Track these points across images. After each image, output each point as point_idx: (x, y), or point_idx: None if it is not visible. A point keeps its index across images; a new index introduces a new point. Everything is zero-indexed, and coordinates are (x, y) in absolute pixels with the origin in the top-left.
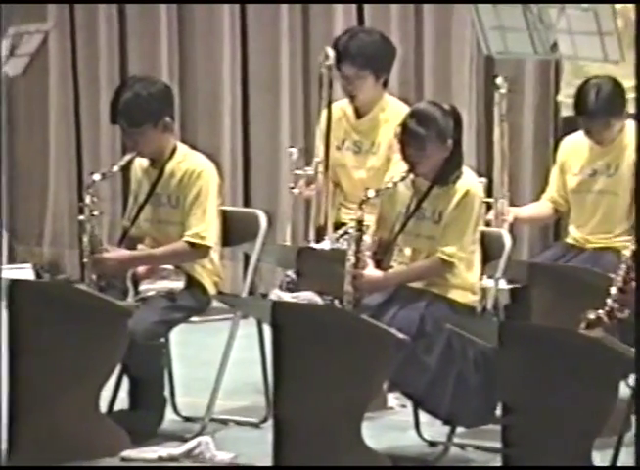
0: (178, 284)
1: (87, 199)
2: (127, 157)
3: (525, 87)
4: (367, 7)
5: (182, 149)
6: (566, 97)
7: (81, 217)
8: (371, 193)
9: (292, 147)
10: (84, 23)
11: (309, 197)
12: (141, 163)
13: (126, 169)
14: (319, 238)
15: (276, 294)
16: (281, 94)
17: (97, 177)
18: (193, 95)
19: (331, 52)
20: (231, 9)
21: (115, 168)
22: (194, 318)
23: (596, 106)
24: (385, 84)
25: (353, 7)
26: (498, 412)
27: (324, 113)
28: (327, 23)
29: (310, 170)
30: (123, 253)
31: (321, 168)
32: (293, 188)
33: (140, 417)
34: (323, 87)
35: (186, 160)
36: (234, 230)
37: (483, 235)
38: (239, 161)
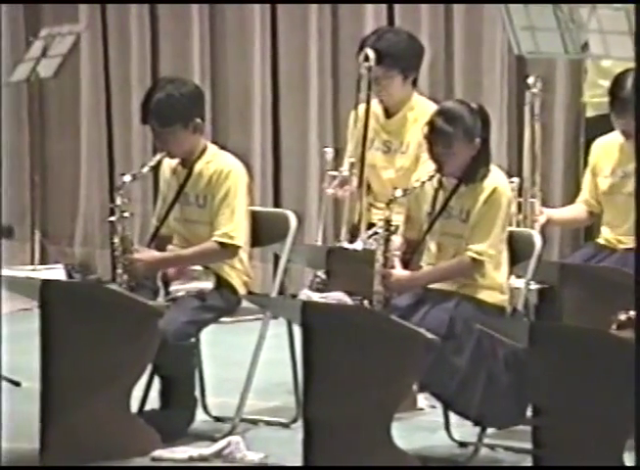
0: (208, 284)
1: (118, 200)
2: (157, 157)
3: (556, 87)
4: (397, 7)
5: (211, 149)
6: (591, 97)
7: (112, 218)
8: (398, 193)
9: (326, 147)
10: (116, 25)
11: (343, 197)
12: (170, 163)
13: (157, 170)
14: (352, 238)
15: (305, 294)
16: (310, 95)
17: (127, 178)
18: (224, 95)
19: (371, 53)
20: (261, 10)
21: (145, 169)
22: (224, 319)
23: (631, 92)
24: (414, 83)
25: (383, 7)
26: (528, 413)
27: (353, 114)
28: (356, 24)
29: (345, 171)
30: (153, 254)
31: (355, 169)
32: (326, 188)
33: (171, 417)
34: (361, 88)
35: (215, 160)
36: (264, 231)
37: (513, 235)
38: (269, 161)
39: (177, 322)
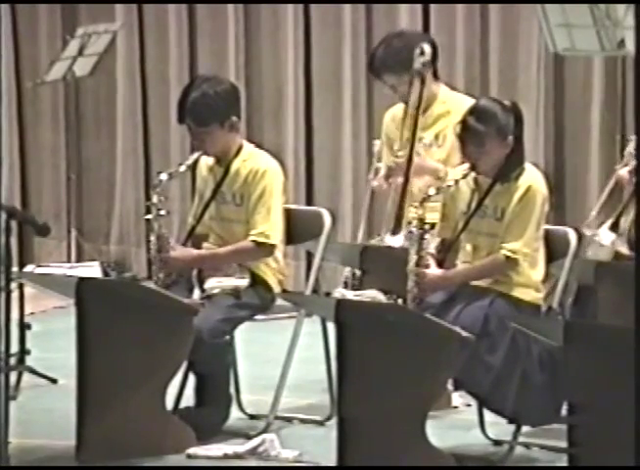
0: (243, 282)
1: (154, 198)
2: (194, 156)
3: (593, 84)
4: (432, 5)
5: (248, 148)
6: None
7: (148, 216)
8: (432, 191)
9: (375, 140)
10: (152, 23)
11: (386, 191)
12: (207, 161)
13: (195, 168)
14: (394, 233)
15: (339, 292)
16: (344, 93)
17: (164, 177)
18: (258, 94)
19: (427, 47)
20: (295, 9)
21: (183, 168)
22: (258, 316)
23: None
24: (435, 76)
25: (418, 6)
26: (563, 411)
27: (388, 113)
28: (390, 23)
29: (392, 162)
30: (190, 252)
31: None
32: (372, 180)
33: (205, 415)
34: (414, 83)
35: (251, 158)
36: (297, 229)
37: (548, 233)
38: (302, 159)
39: (212, 320)
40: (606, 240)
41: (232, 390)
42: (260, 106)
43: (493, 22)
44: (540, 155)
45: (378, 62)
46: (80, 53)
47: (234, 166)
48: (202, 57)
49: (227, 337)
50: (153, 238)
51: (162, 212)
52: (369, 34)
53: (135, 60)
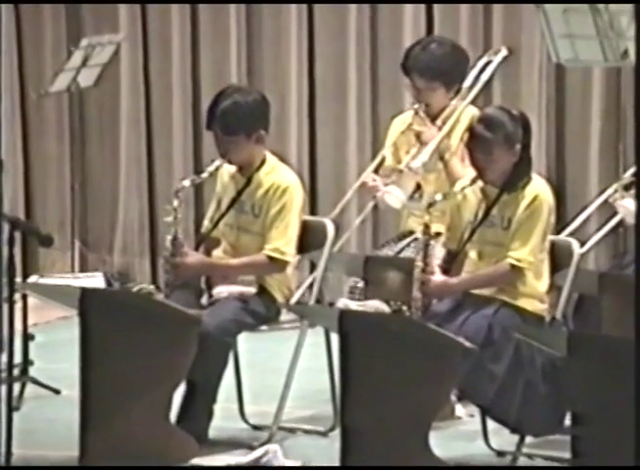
0: (250, 289)
1: (175, 202)
2: (217, 163)
3: (592, 94)
4: (436, 14)
5: (271, 161)
6: None
7: (168, 219)
8: (438, 197)
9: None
10: (156, 34)
11: (371, 189)
12: (229, 168)
13: (210, 176)
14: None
15: (343, 302)
16: (348, 102)
17: (187, 183)
18: None
19: (504, 50)
20: (298, 16)
21: (205, 175)
22: (262, 327)
23: None
24: (457, 92)
25: (422, 14)
26: (567, 422)
27: (397, 119)
28: (395, 30)
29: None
30: (202, 259)
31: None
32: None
33: (189, 422)
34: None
35: (274, 172)
36: (302, 239)
37: (552, 244)
38: (305, 169)
39: (221, 317)
40: (633, 207)
41: (235, 400)
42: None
43: (496, 32)
44: (542, 164)
45: (411, 61)
46: (84, 64)
47: (256, 178)
48: (204, 67)
49: (231, 339)
50: (168, 241)
51: (179, 217)
52: (374, 43)
53: (139, 70)
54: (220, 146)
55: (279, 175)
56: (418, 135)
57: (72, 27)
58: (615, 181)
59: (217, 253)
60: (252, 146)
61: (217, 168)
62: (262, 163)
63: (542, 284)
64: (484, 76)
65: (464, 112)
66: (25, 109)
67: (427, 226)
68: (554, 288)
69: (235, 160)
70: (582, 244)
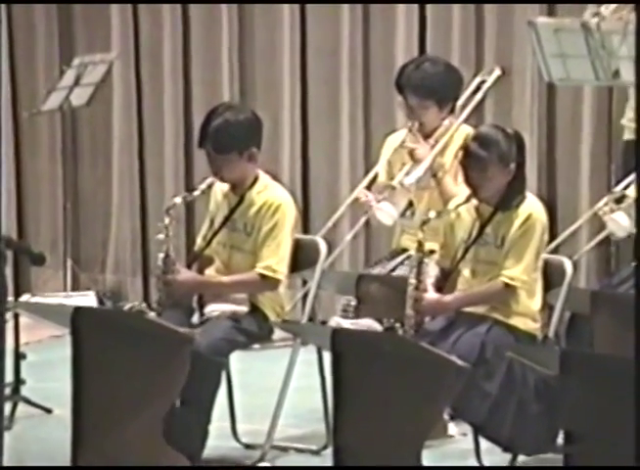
0: (242, 308)
1: (167, 220)
2: (209, 180)
3: (583, 113)
4: (429, 35)
5: (263, 179)
6: (629, 121)
7: (159, 237)
8: (432, 214)
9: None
10: (148, 53)
11: (363, 204)
12: (222, 187)
13: (202, 194)
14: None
15: (335, 321)
16: (341, 121)
17: (178, 200)
18: None
19: (498, 70)
20: (291, 35)
21: (196, 193)
22: (254, 345)
23: None
24: (451, 111)
25: (415, 36)
26: (559, 441)
27: (391, 137)
28: (388, 50)
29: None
30: (195, 277)
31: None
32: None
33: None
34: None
35: (267, 190)
36: (294, 257)
37: (544, 262)
38: (298, 187)
39: (212, 337)
40: (624, 221)
41: (228, 419)
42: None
43: (488, 52)
44: (533, 183)
45: (404, 79)
46: (77, 83)
47: (249, 196)
48: (196, 86)
49: (223, 358)
50: (160, 259)
51: (171, 234)
52: (366, 63)
53: (131, 89)
54: (212, 164)
55: (271, 193)
56: (411, 153)
57: (65, 46)
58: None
59: (210, 271)
60: (245, 164)
61: (209, 186)
62: (255, 181)
63: (535, 303)
64: (478, 96)
65: (457, 130)
66: (18, 127)
67: (420, 244)
68: (546, 306)
69: (227, 178)
70: (574, 262)
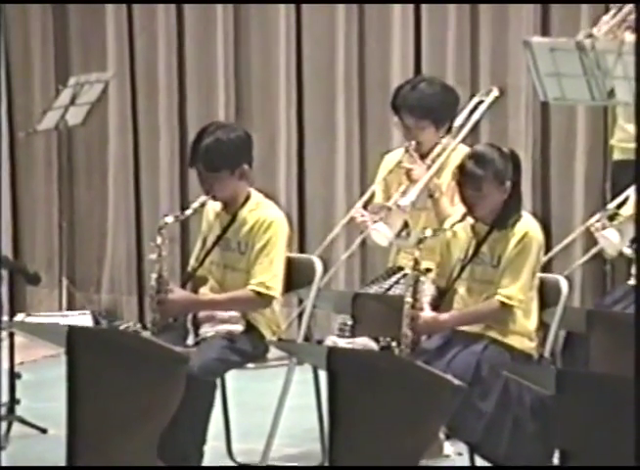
0: (237, 327)
1: (159, 239)
2: (201, 199)
3: (577, 132)
4: (424, 52)
5: (255, 197)
6: (618, 141)
7: (152, 257)
8: (428, 232)
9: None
10: (144, 72)
11: (359, 224)
12: (214, 206)
13: (194, 213)
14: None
15: (331, 340)
16: (336, 141)
17: (170, 219)
18: None
19: (496, 91)
20: (287, 55)
21: (189, 211)
22: (250, 365)
23: None
24: (448, 131)
25: (410, 52)
26: (555, 460)
27: (388, 156)
28: (383, 70)
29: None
30: (188, 296)
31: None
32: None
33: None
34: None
35: (259, 208)
36: (290, 276)
37: (540, 281)
38: (294, 207)
39: (205, 357)
40: (614, 238)
41: (223, 438)
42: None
43: (483, 70)
44: (527, 202)
45: (400, 99)
46: (72, 102)
47: (241, 215)
48: (191, 106)
49: (217, 378)
50: (153, 279)
51: (164, 254)
52: (361, 83)
53: (127, 109)
54: (204, 183)
55: (263, 211)
56: (407, 173)
57: (61, 66)
58: None
59: (204, 290)
60: (236, 182)
61: (202, 205)
62: (247, 199)
63: (531, 322)
64: (475, 116)
65: (455, 150)
66: (14, 148)
67: (416, 262)
68: (542, 325)
69: (219, 196)
70: (568, 280)
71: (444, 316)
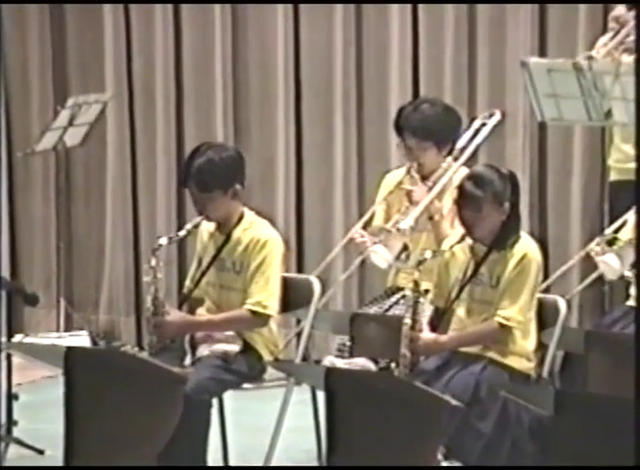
0: (234, 347)
1: (153, 261)
2: (195, 220)
3: (574, 153)
4: (422, 77)
5: (249, 216)
6: (615, 162)
7: (146, 279)
8: (428, 254)
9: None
10: (142, 94)
11: (358, 245)
12: (207, 226)
13: (193, 233)
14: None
15: (329, 360)
16: (335, 162)
17: (164, 241)
18: (248, 164)
19: (498, 114)
20: (285, 77)
21: (182, 232)
22: (247, 385)
23: None
24: (450, 153)
25: (408, 74)
26: None
27: (389, 175)
28: (381, 91)
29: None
30: (184, 317)
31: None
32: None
33: None
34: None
35: (252, 227)
36: (287, 296)
37: (539, 302)
38: (292, 228)
39: (199, 377)
40: (614, 263)
41: (220, 459)
42: (251, 175)
43: (480, 90)
44: (525, 222)
45: (403, 120)
46: (71, 123)
47: (235, 234)
48: (188, 127)
49: (211, 397)
50: (148, 301)
51: (159, 276)
52: (359, 104)
53: (125, 129)
54: (197, 203)
55: (258, 230)
56: (408, 194)
57: (59, 87)
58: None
59: (201, 311)
60: (229, 202)
61: (195, 226)
62: (240, 218)
63: (530, 342)
64: (478, 139)
65: (456, 172)
66: (12, 167)
67: (416, 284)
68: (540, 346)
69: (213, 216)
70: (567, 302)
71: (444, 338)
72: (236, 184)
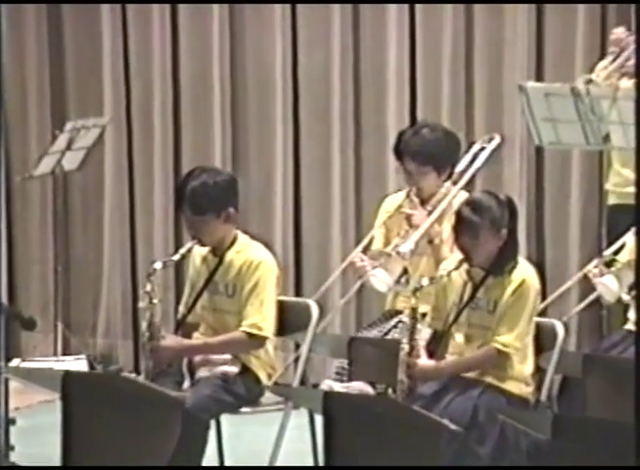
0: (233, 369)
1: (148, 286)
2: (188, 245)
3: (572, 176)
4: (419, 97)
5: (242, 239)
6: (614, 186)
7: (141, 304)
8: (425, 281)
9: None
10: (140, 118)
11: (358, 269)
12: (200, 251)
13: (186, 257)
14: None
15: (327, 384)
16: (332, 185)
17: (158, 265)
18: (246, 185)
19: (498, 138)
20: (283, 97)
21: (176, 257)
22: (245, 409)
23: None
24: (449, 177)
25: (406, 96)
26: None
27: (388, 199)
28: (379, 113)
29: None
30: (180, 341)
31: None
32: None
33: None
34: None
35: (245, 250)
36: (285, 320)
37: (536, 325)
38: (290, 252)
39: (199, 394)
40: (613, 285)
41: None
42: (248, 199)
43: (478, 114)
44: (522, 246)
45: (403, 144)
46: (69, 147)
47: (228, 257)
48: (186, 150)
49: (210, 417)
50: (144, 326)
51: (155, 301)
52: (357, 126)
53: (123, 154)
54: (190, 227)
55: (251, 252)
56: (408, 218)
57: (57, 111)
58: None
59: (197, 335)
60: (223, 225)
61: (189, 250)
62: (233, 241)
63: (527, 367)
64: (477, 164)
65: (456, 197)
66: (10, 191)
67: (413, 310)
68: (538, 370)
69: (206, 240)
70: (565, 325)
71: (442, 364)
72: (229, 208)
